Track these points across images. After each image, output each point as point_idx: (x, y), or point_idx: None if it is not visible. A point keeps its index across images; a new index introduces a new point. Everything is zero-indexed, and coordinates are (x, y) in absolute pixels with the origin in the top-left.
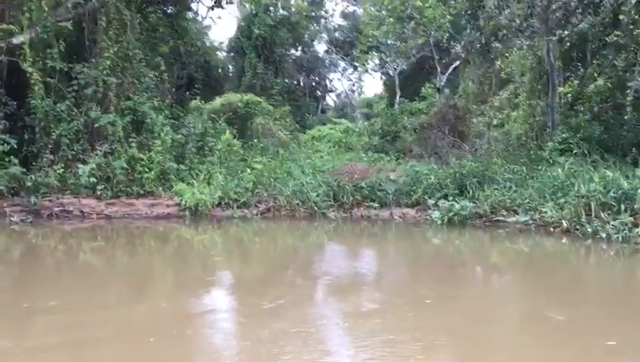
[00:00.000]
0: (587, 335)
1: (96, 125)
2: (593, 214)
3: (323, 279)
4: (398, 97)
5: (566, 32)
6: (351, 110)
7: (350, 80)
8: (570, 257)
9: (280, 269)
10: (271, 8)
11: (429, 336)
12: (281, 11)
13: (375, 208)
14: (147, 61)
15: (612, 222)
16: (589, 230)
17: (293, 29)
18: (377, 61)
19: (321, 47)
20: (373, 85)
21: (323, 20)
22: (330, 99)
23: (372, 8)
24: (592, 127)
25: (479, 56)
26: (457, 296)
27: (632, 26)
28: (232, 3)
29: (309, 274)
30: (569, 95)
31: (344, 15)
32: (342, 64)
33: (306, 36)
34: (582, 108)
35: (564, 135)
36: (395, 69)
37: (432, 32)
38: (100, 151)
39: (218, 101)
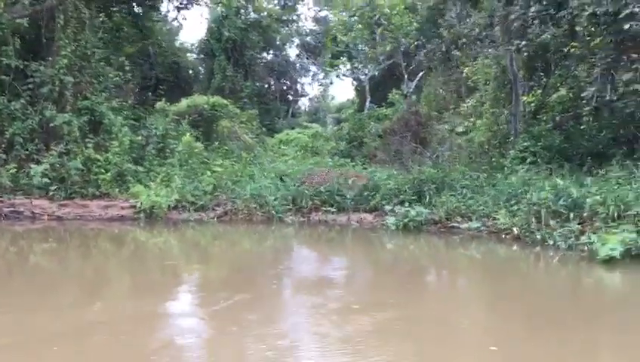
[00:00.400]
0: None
1: (52, 125)
2: (543, 222)
3: (268, 283)
4: (368, 103)
5: (523, 42)
6: (323, 115)
7: (321, 84)
8: (509, 263)
9: (228, 272)
10: (242, 11)
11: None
12: (252, 14)
13: (333, 213)
14: (111, 61)
15: (559, 230)
16: (538, 237)
17: (264, 32)
18: (349, 66)
19: (293, 51)
20: (345, 90)
21: (295, 25)
22: (303, 104)
23: (343, 14)
24: (552, 136)
25: (440, 64)
26: (392, 301)
27: (588, 38)
28: (198, 4)
29: (254, 278)
30: (532, 104)
31: (316, 20)
32: (313, 68)
33: (278, 40)
34: (545, 118)
35: (525, 143)
36: (366, 74)
37: (401, 39)
38: (55, 151)
39: (184, 103)
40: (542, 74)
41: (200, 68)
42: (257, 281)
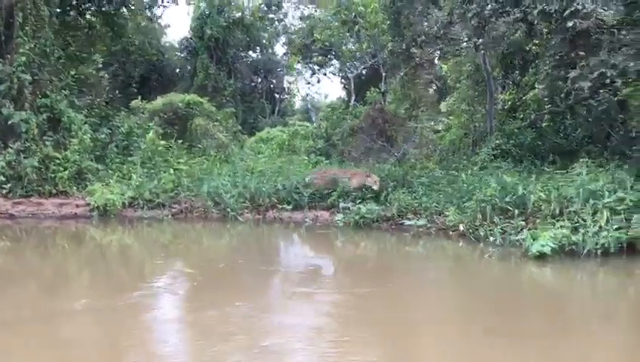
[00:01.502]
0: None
1: (10, 122)
2: (488, 218)
3: (192, 278)
4: (352, 101)
5: (480, 40)
6: (314, 113)
7: (309, 83)
8: (442, 259)
9: (159, 268)
10: (225, 9)
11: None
12: (235, 12)
13: (288, 210)
14: (83, 58)
15: (500, 226)
16: (482, 234)
17: (248, 30)
18: (337, 65)
19: (280, 50)
20: (337, 89)
21: (280, 23)
22: (296, 102)
23: (320, 12)
24: (524, 133)
25: (403, 63)
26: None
27: (547, 35)
28: (171, 4)
29: (181, 273)
30: (509, 102)
31: (301, 18)
32: (299, 67)
33: (265, 38)
34: (521, 116)
35: (497, 141)
36: (352, 72)
37: (378, 37)
38: (12, 149)
39: (159, 101)
40: (517, 72)
41: (187, 66)
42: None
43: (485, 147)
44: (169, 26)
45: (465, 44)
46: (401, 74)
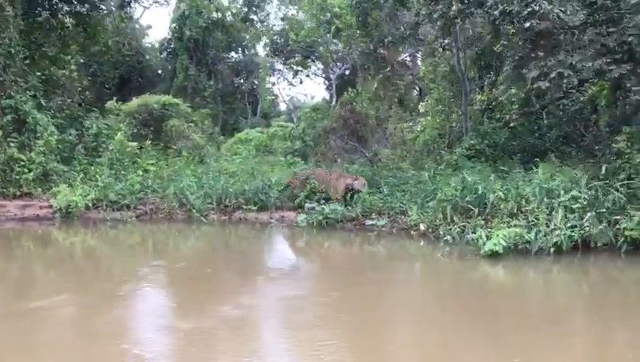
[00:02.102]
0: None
1: None
2: (448, 218)
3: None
4: (334, 102)
5: (446, 41)
6: (295, 114)
7: (291, 84)
8: (397, 259)
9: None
10: (203, 10)
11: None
12: (215, 13)
13: (254, 211)
14: (55, 59)
15: (457, 225)
16: (441, 233)
17: (228, 31)
18: (320, 66)
19: (263, 51)
20: (322, 90)
21: (263, 24)
22: (281, 103)
23: (300, 13)
24: (497, 134)
25: (372, 63)
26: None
27: (512, 36)
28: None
29: (135, 274)
30: (484, 103)
31: (283, 19)
32: (281, 68)
33: (246, 39)
34: (497, 116)
35: (472, 141)
36: (334, 73)
37: (354, 38)
38: None
39: (135, 102)
40: (491, 73)
41: (167, 67)
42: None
43: (459, 147)
44: (151, 27)
45: (433, 44)
46: (375, 74)
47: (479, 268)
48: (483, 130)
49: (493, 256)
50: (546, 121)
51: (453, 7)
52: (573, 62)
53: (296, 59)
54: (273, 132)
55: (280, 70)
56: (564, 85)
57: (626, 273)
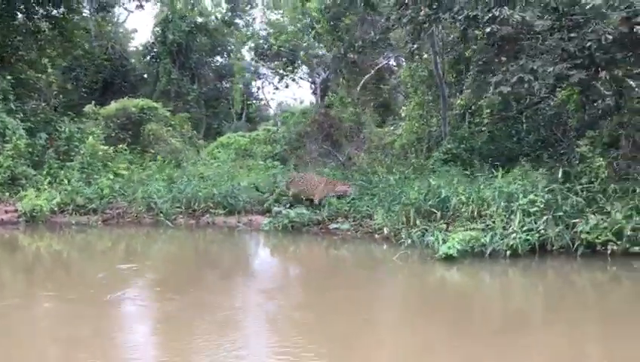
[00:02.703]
0: None
1: None
2: (411, 221)
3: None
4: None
5: (415, 46)
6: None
7: (277, 88)
8: (354, 262)
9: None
10: (187, 14)
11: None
12: (198, 18)
13: (221, 215)
14: (32, 62)
15: (419, 228)
16: (403, 236)
17: (211, 35)
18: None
19: (249, 55)
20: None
21: (249, 28)
22: (272, 108)
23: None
24: (474, 138)
25: (344, 68)
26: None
27: (480, 40)
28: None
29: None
30: (463, 107)
31: (267, 23)
32: (267, 72)
33: (231, 43)
34: (475, 120)
35: (449, 145)
36: (319, 77)
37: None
38: None
39: (113, 106)
40: (469, 77)
41: (154, 71)
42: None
43: (437, 151)
44: (136, 30)
45: (404, 49)
46: (348, 79)
47: (432, 271)
48: (460, 134)
49: (449, 259)
50: (525, 126)
51: (422, 12)
52: (534, 67)
53: (281, 61)
54: (255, 136)
55: (265, 74)
56: (538, 90)
57: (582, 275)
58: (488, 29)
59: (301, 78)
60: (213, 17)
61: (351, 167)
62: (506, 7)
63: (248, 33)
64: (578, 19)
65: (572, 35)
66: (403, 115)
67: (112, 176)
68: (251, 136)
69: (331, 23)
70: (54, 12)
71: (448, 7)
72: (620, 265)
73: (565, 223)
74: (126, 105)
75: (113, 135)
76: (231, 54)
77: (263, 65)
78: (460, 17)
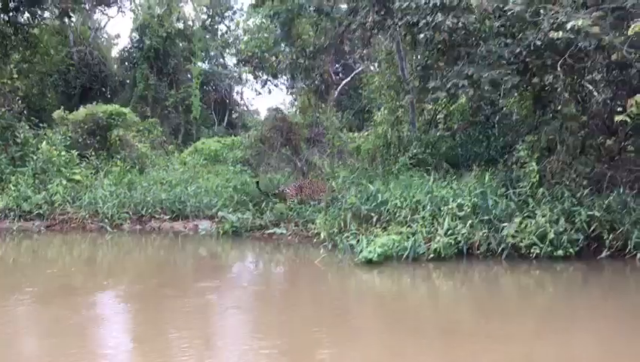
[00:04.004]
0: None
1: None
2: (348, 225)
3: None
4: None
5: (365, 51)
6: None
7: (259, 93)
8: (278, 266)
9: None
10: (164, 20)
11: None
12: (177, 23)
13: (170, 220)
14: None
15: (351, 232)
16: (338, 240)
17: (189, 41)
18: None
19: (232, 60)
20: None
21: (227, 34)
22: (261, 114)
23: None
24: (439, 143)
25: (300, 73)
26: None
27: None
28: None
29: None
30: (433, 112)
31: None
32: (249, 78)
33: (212, 49)
34: (445, 125)
35: (415, 150)
36: (300, 82)
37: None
38: None
39: (82, 111)
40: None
41: (131, 76)
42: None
43: (403, 156)
44: (119, 36)
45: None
46: (309, 84)
47: (346, 275)
48: (426, 139)
49: (370, 263)
50: (495, 131)
51: (369, 19)
52: (469, 73)
53: (260, 67)
54: (230, 141)
55: (246, 80)
56: (489, 96)
57: (504, 279)
58: (422, 35)
59: (283, 84)
60: (190, 23)
61: (310, 172)
62: (439, 14)
63: (231, 39)
64: (510, 25)
65: (508, 41)
66: (378, 120)
67: (65, 182)
68: (224, 142)
69: (284, 29)
70: (20, 19)
71: (394, 14)
72: (543, 269)
73: (495, 227)
74: (94, 111)
75: (80, 140)
76: (214, 60)
77: (244, 72)
78: (399, 24)
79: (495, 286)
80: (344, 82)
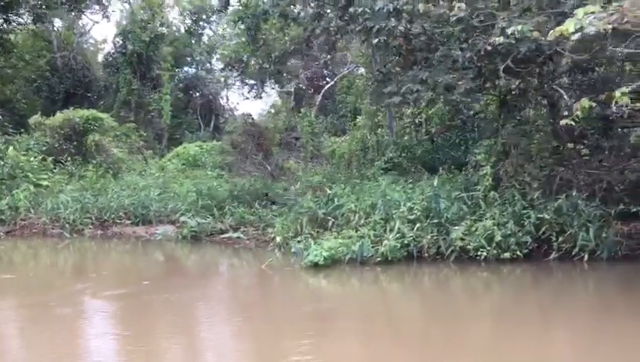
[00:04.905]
0: None
1: None
2: (303, 229)
3: None
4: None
5: (329, 56)
6: None
7: (247, 98)
8: (226, 269)
9: None
10: (147, 25)
11: None
12: (160, 28)
13: (132, 225)
14: None
15: (304, 236)
16: (291, 244)
17: (173, 45)
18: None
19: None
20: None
21: (212, 38)
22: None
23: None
24: (416, 147)
25: (269, 78)
26: None
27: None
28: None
29: None
30: (411, 117)
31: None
32: (237, 82)
33: (197, 53)
34: (423, 130)
35: (391, 154)
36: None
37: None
38: None
39: (59, 117)
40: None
41: (115, 81)
42: None
43: (379, 160)
44: (105, 41)
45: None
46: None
47: (292, 279)
48: (402, 143)
49: (317, 266)
50: (475, 134)
51: (333, 24)
52: (424, 78)
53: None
54: (210, 146)
55: (233, 84)
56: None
57: (455, 280)
58: (375, 40)
59: (272, 88)
60: (175, 28)
61: (280, 176)
62: (393, 19)
63: (217, 44)
64: (463, 31)
65: (463, 46)
66: (359, 124)
67: (32, 188)
68: (205, 147)
69: (249, 34)
70: None
71: (355, 18)
72: (490, 271)
73: (446, 230)
74: (71, 116)
75: (57, 146)
76: (200, 65)
77: (224, 76)
78: (357, 29)
79: (445, 289)
80: (327, 86)
